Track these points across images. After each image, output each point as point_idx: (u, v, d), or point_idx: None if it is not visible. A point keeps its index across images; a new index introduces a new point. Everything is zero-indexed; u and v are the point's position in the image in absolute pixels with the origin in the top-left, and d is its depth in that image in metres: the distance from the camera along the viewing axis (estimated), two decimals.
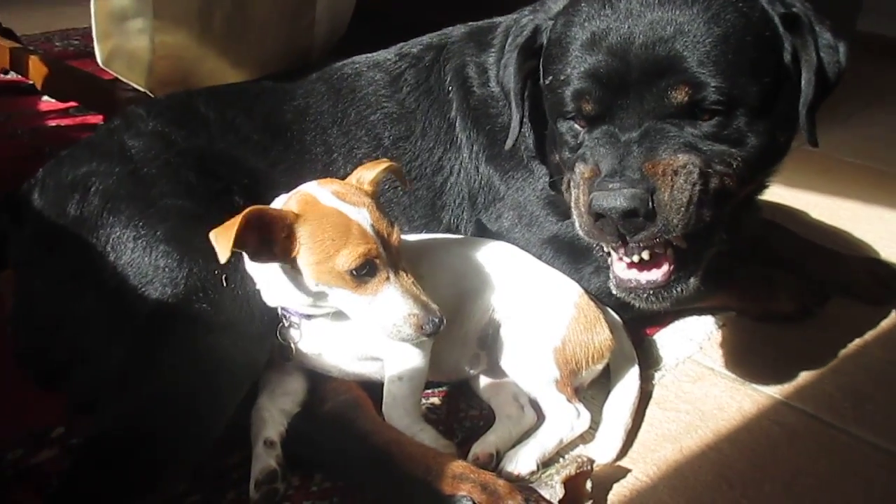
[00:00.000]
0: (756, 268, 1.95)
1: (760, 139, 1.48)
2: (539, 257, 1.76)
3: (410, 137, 1.85)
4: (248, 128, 1.81)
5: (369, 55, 2.01)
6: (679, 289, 1.49)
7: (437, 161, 1.85)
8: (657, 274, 1.49)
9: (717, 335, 1.89)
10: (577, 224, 1.50)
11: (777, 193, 2.39)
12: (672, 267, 1.49)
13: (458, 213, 1.85)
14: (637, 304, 1.52)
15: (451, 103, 1.86)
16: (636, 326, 1.82)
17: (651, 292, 1.49)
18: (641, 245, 1.43)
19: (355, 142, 1.87)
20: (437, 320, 1.37)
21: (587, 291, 1.67)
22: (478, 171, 1.84)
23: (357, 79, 1.94)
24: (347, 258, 1.32)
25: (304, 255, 1.35)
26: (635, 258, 1.48)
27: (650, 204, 1.37)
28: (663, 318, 1.90)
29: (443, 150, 1.85)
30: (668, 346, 1.85)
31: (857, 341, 1.87)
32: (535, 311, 1.58)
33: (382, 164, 1.45)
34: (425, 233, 1.83)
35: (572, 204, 1.53)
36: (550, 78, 1.57)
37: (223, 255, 1.27)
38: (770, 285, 1.92)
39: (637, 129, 1.44)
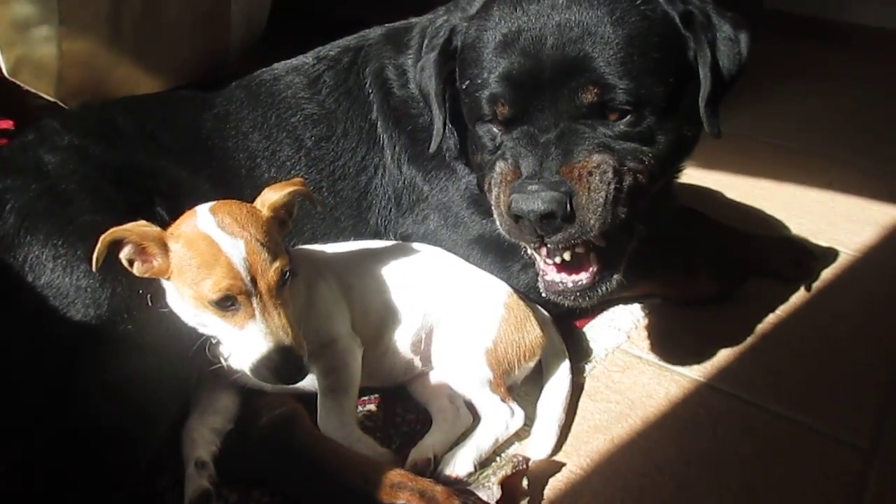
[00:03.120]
0: (676, 254, 1.98)
1: (669, 136, 1.51)
2: (466, 258, 1.77)
3: (332, 137, 1.84)
4: (167, 138, 1.77)
5: (286, 61, 1.98)
6: (604, 287, 1.51)
7: (361, 161, 1.84)
8: (583, 276, 1.51)
9: (644, 323, 1.92)
10: (497, 224, 1.51)
11: (694, 176, 2.45)
12: (596, 267, 1.51)
13: (384, 215, 1.85)
14: (566, 304, 1.54)
15: (372, 105, 1.85)
16: (565, 320, 1.83)
17: (578, 293, 1.51)
18: (560, 246, 1.45)
19: (277, 145, 1.84)
20: (295, 369, 1.31)
21: (516, 289, 1.68)
22: (401, 172, 1.83)
23: (276, 83, 1.91)
24: (210, 289, 1.28)
25: (177, 276, 1.32)
26: (558, 259, 1.50)
27: (568, 206, 1.38)
28: (592, 311, 1.92)
29: (366, 150, 1.84)
30: (597, 338, 1.87)
31: (773, 318, 1.92)
32: (465, 313, 1.59)
33: (288, 188, 1.40)
34: (353, 236, 1.82)
35: (492, 203, 1.53)
36: (467, 82, 1.57)
37: (94, 265, 1.27)
38: (690, 271, 1.95)
39: (554, 130, 1.45)
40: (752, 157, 2.86)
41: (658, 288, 1.95)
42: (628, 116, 1.45)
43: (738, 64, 1.54)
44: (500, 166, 1.50)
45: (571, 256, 1.50)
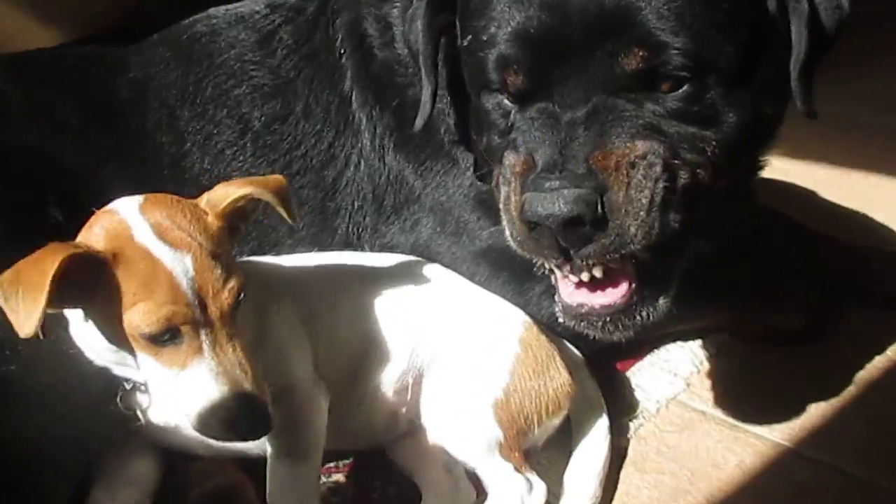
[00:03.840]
0: (753, 274, 2.01)
1: (741, 114, 1.52)
2: (471, 276, 1.80)
3: (289, 118, 1.88)
4: (66, 110, 1.82)
5: (229, 6, 2.01)
6: (644, 313, 1.52)
7: (328, 149, 1.88)
8: (614, 295, 1.52)
9: (708, 367, 1.93)
10: (507, 233, 1.53)
11: (779, 169, 2.41)
12: (633, 285, 1.53)
13: (357, 221, 1.89)
14: (591, 334, 1.55)
15: (345, 71, 1.89)
16: (603, 361, 1.85)
17: (608, 319, 1.52)
18: (591, 262, 1.46)
19: (214, 126, 1.89)
20: (257, 420, 1.32)
21: (536, 319, 1.71)
22: (383, 163, 1.87)
23: (214, 40, 1.96)
24: (144, 318, 1.28)
25: (100, 303, 1.32)
26: (584, 276, 1.51)
27: (599, 208, 1.40)
28: (638, 350, 1.94)
29: (334, 135, 1.88)
30: (646, 386, 1.89)
31: (884, 363, 1.92)
32: (467, 352, 1.62)
33: (246, 187, 1.42)
34: (314, 248, 1.86)
35: (501, 206, 1.55)
36: (469, 38, 1.59)
37: (28, 325, 1.21)
38: (772, 296, 1.98)
39: (582, 107, 1.47)
40: (855, 144, 2.86)
41: (728, 320, 1.96)
42: (685, 87, 1.46)
43: (837, 20, 1.56)
44: (510, 157, 1.53)
45: (604, 272, 1.52)
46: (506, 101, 1.57)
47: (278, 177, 1.49)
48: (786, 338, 1.97)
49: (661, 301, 1.53)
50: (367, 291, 1.66)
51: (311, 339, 1.59)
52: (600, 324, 1.52)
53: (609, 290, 1.52)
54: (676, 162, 1.47)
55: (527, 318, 1.69)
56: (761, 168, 1.88)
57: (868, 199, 2.55)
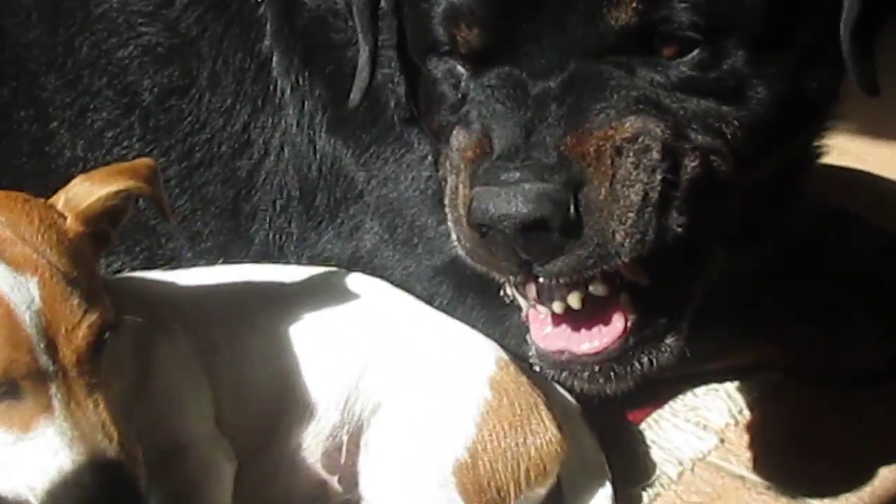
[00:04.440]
0: (811, 293, 2.00)
1: (773, 86, 1.51)
2: (429, 299, 1.81)
3: (190, 90, 1.91)
4: None
5: None
6: (646, 359, 1.52)
7: (241, 132, 1.92)
8: (603, 337, 1.52)
9: (748, 417, 1.93)
10: (453, 237, 1.55)
11: (849, 152, 2.43)
12: (630, 322, 1.53)
13: (280, 225, 1.92)
14: (577, 387, 1.56)
15: (263, 25, 1.91)
16: (608, 410, 1.81)
17: (596, 368, 1.52)
18: (561, 281, 1.46)
19: (90, 98, 1.91)
20: (125, 498, 1.30)
21: (514, 355, 1.71)
22: (314, 148, 1.90)
23: None
24: None
25: None
26: (556, 306, 1.52)
27: (572, 208, 1.39)
28: (655, 394, 1.95)
29: (250, 112, 1.91)
30: (664, 443, 1.88)
31: None
32: (421, 399, 1.62)
33: (118, 181, 1.41)
34: (223, 260, 1.88)
35: (447, 202, 1.57)
36: None
37: None
38: (836, 323, 1.98)
39: (556, 75, 1.47)
40: None
41: (777, 355, 1.98)
42: (696, 51, 1.46)
43: None
44: (458, 137, 1.53)
45: (583, 301, 1.51)
46: (458, 67, 1.58)
47: (146, 160, 1.51)
48: (855, 377, 1.98)
49: (670, 341, 1.53)
50: (288, 318, 1.67)
51: (213, 382, 1.60)
52: (586, 374, 1.52)
53: (596, 328, 1.53)
54: (681, 145, 1.47)
55: (501, 354, 1.69)
56: (817, 156, 1.89)
57: None
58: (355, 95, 1.75)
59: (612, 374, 1.51)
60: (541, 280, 1.46)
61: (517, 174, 1.39)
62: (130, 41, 1.91)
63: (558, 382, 1.58)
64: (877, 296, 2.06)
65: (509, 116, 1.47)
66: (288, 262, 1.92)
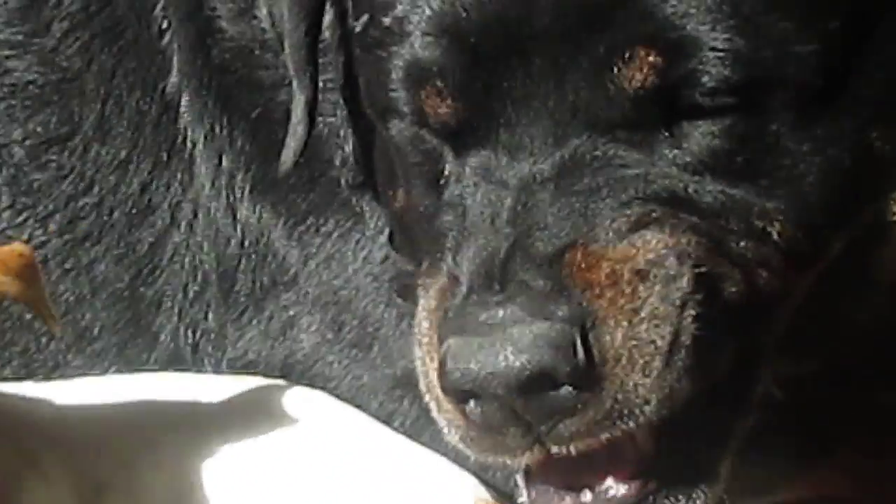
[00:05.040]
0: (893, 404, 1.90)
1: (831, 157, 1.45)
2: (388, 418, 1.75)
3: (73, 140, 1.84)
4: None
5: None
6: None
7: (140, 194, 1.84)
8: (612, 489, 1.44)
9: None
10: (430, 405, 1.47)
11: None
12: (652, 464, 1.46)
13: (193, 318, 1.84)
14: None
15: (170, 57, 1.86)
16: None
17: None
18: (574, 442, 1.36)
19: None
20: None
21: (497, 492, 1.66)
22: (234, 217, 1.83)
23: None
24: None
25: None
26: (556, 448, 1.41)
27: (580, 351, 1.29)
28: None
29: (151, 168, 1.84)
30: None
31: None
32: None
33: None
34: (118, 367, 1.84)
35: (416, 350, 1.48)
36: (365, 18, 1.55)
37: None
38: None
39: (551, 156, 1.39)
40: None
41: (847, 485, 1.86)
42: (729, 118, 1.38)
43: None
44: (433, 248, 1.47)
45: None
46: (428, 137, 1.51)
47: (17, 247, 1.43)
48: None
49: (703, 490, 1.45)
50: (200, 449, 1.60)
51: None
52: None
53: (605, 480, 1.45)
54: (719, 264, 1.40)
55: (481, 492, 1.64)
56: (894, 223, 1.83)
57: None
58: (287, 157, 1.68)
59: None
60: (550, 448, 1.37)
61: (500, 311, 1.31)
62: None
63: None
64: None
65: (485, 223, 1.40)
66: (204, 368, 1.85)
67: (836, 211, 1.48)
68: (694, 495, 1.44)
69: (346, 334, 1.80)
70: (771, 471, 1.78)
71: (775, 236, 1.42)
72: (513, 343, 1.28)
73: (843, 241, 1.57)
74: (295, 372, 1.79)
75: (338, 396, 1.74)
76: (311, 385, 1.76)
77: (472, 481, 1.64)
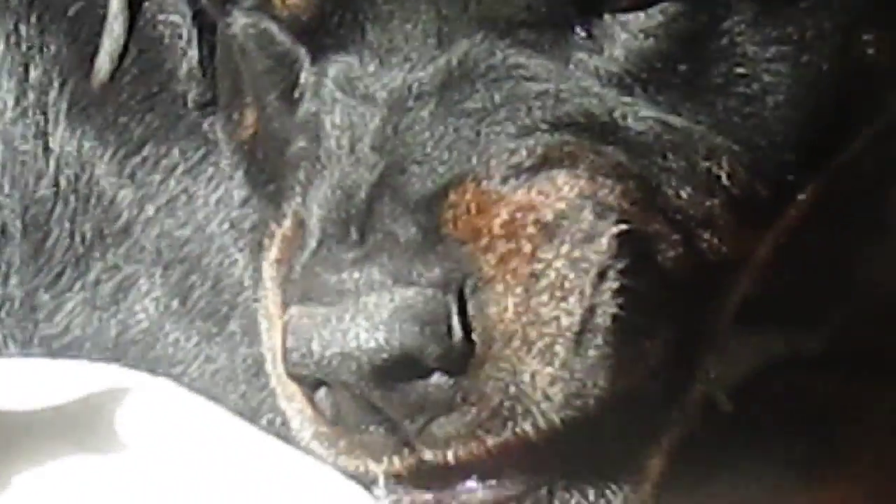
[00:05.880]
0: None
1: (805, 62, 1.27)
2: (252, 414, 1.59)
3: None
4: None
5: None
6: None
7: None
8: (501, 477, 1.26)
9: None
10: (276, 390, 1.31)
11: None
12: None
13: None
14: None
15: None
16: None
17: None
18: (453, 451, 1.17)
19: None
20: None
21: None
22: (45, 149, 1.67)
23: None
24: None
25: None
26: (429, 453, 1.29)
27: (456, 327, 1.10)
28: None
29: None
30: None
31: None
32: None
33: None
34: None
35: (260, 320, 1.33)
36: None
37: None
38: None
39: (431, 63, 1.23)
40: None
41: (864, 501, 1.72)
42: (664, 12, 1.20)
43: None
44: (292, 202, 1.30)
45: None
46: (280, 36, 1.33)
47: None
48: None
49: (622, 488, 1.24)
50: (10, 468, 1.49)
51: None
52: None
53: (488, 476, 1.26)
54: (652, 220, 1.22)
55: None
56: None
57: None
58: (102, 63, 1.52)
59: None
60: (417, 448, 1.18)
61: (356, 273, 1.12)
62: None
63: None
64: None
65: (344, 151, 1.21)
66: (7, 349, 1.67)
67: (809, 146, 1.27)
68: (609, 492, 1.24)
69: (196, 301, 1.62)
70: (750, 484, 1.59)
71: (725, 180, 1.22)
72: (367, 316, 1.09)
73: (821, 183, 1.35)
74: (130, 353, 1.60)
75: (188, 385, 1.56)
76: (153, 371, 1.56)
77: (367, 499, 1.46)
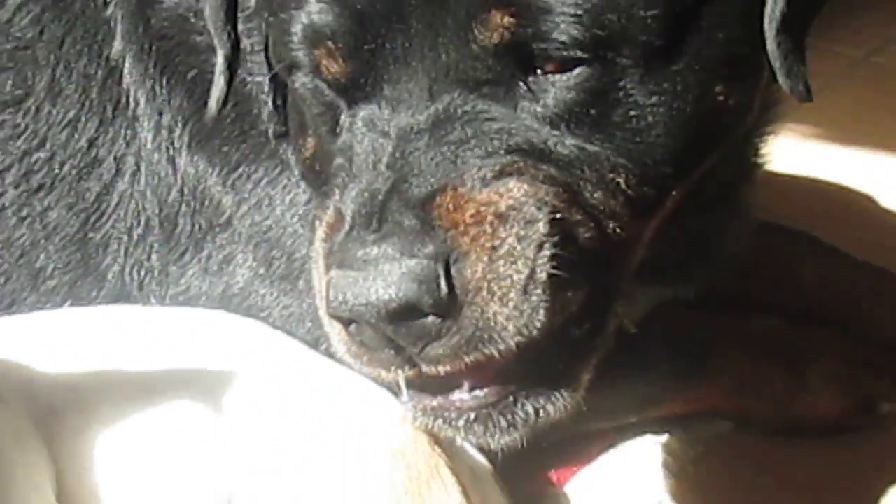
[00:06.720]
0: (765, 328, 2.04)
1: (676, 107, 1.48)
2: (314, 342, 1.78)
3: (26, 101, 1.89)
4: None
5: None
6: (531, 409, 1.49)
7: (88, 148, 1.88)
8: (477, 392, 1.49)
9: (693, 474, 1.90)
10: (327, 331, 1.52)
11: (804, 158, 2.49)
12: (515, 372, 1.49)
13: (138, 259, 1.90)
14: (453, 437, 1.54)
15: (113, 26, 1.90)
16: (525, 469, 1.81)
17: (472, 416, 1.49)
18: (442, 366, 1.42)
19: None
20: None
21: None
22: (174, 168, 1.87)
23: None
24: None
25: None
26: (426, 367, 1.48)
27: (443, 284, 1.35)
28: (583, 449, 1.93)
29: (98, 126, 1.88)
30: None
31: None
32: (305, 468, 1.61)
33: None
34: (70, 304, 1.88)
35: (313, 273, 1.54)
36: None
37: None
38: (795, 365, 1.98)
39: (425, 108, 1.44)
40: None
41: (723, 401, 1.97)
42: (579, 69, 1.41)
43: None
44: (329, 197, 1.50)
45: None
46: (328, 90, 1.55)
47: None
48: (813, 427, 1.98)
49: (563, 395, 1.49)
50: (144, 372, 1.65)
51: (51, 453, 1.58)
52: (461, 422, 1.49)
53: (477, 377, 1.49)
54: (573, 212, 1.45)
55: (404, 410, 1.63)
56: (758, 163, 1.89)
57: None
58: (211, 105, 1.73)
59: (489, 423, 1.49)
60: (422, 367, 1.43)
61: (375, 249, 1.37)
62: None
63: (433, 432, 1.57)
64: (841, 335, 2.10)
65: (368, 167, 1.46)
66: (150, 303, 1.90)
67: (679, 162, 1.52)
68: (553, 398, 1.49)
69: (275, 269, 1.87)
70: (652, 387, 1.88)
71: (623, 186, 1.47)
72: (383, 278, 1.35)
73: (685, 187, 1.62)
74: (231, 305, 1.86)
75: (270, 324, 1.83)
76: (247, 315, 1.84)
77: (389, 396, 1.70)
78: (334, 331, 1.47)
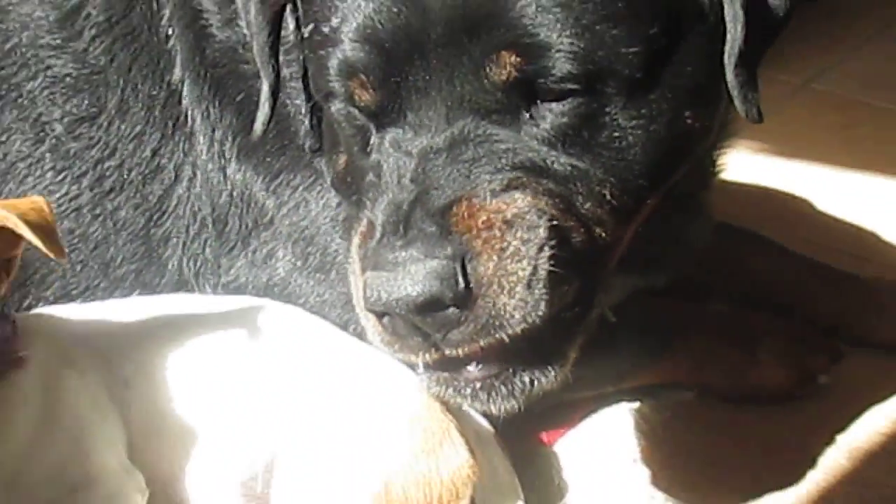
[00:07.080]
0: (720, 313, 2.09)
1: (652, 129, 1.53)
2: (344, 325, 1.82)
3: (99, 118, 1.91)
4: None
5: None
6: (528, 379, 1.54)
7: (151, 158, 1.92)
8: (482, 367, 1.55)
9: (659, 435, 1.96)
10: (367, 331, 1.58)
11: (753, 167, 2.48)
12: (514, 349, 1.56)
13: (194, 252, 1.93)
14: (461, 403, 1.60)
15: (174, 56, 1.93)
16: (522, 432, 1.86)
17: (478, 386, 1.55)
18: (462, 349, 1.49)
19: (1, 132, 1.93)
20: None
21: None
22: (225, 175, 1.91)
23: (0, 19, 1.98)
24: None
25: None
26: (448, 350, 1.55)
27: (461, 279, 1.42)
28: (569, 414, 1.98)
29: (160, 139, 1.91)
30: (579, 462, 1.90)
31: (891, 428, 1.96)
32: (338, 428, 1.64)
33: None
34: (137, 290, 1.92)
35: (350, 274, 1.60)
36: (311, 27, 1.62)
37: None
38: (746, 344, 2.04)
39: (443, 132, 1.50)
40: (858, 133, 2.85)
41: (685, 374, 2.03)
42: (570, 99, 1.47)
43: None
44: (367, 209, 1.55)
45: None
46: (359, 116, 1.60)
47: (36, 199, 1.47)
48: (763, 395, 2.04)
49: (553, 370, 1.56)
50: (199, 350, 1.68)
51: (125, 416, 1.60)
52: (469, 391, 1.55)
53: (475, 362, 1.55)
54: (567, 220, 1.50)
55: (419, 381, 1.68)
56: (716, 173, 1.94)
57: (876, 210, 2.56)
58: (258, 127, 1.78)
59: (492, 392, 1.53)
60: (445, 351, 1.48)
61: (402, 253, 1.42)
62: (40, 73, 1.94)
63: (445, 401, 1.61)
64: (779, 318, 2.15)
65: (394, 182, 1.50)
66: (204, 290, 1.95)
67: (654, 175, 1.57)
68: (546, 371, 1.54)
69: (310, 262, 1.90)
70: (627, 362, 1.93)
71: (608, 197, 1.52)
72: (411, 277, 1.39)
73: (657, 198, 1.65)
74: (274, 292, 1.90)
75: (307, 310, 1.86)
76: (287, 301, 1.87)
77: (415, 378, 1.67)
78: (369, 323, 1.52)
